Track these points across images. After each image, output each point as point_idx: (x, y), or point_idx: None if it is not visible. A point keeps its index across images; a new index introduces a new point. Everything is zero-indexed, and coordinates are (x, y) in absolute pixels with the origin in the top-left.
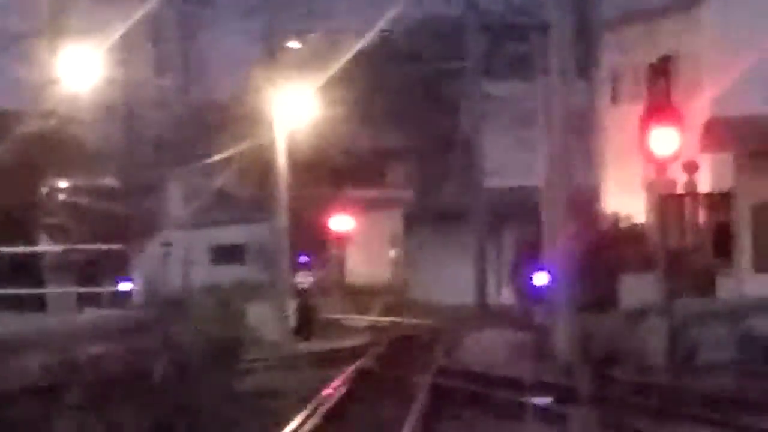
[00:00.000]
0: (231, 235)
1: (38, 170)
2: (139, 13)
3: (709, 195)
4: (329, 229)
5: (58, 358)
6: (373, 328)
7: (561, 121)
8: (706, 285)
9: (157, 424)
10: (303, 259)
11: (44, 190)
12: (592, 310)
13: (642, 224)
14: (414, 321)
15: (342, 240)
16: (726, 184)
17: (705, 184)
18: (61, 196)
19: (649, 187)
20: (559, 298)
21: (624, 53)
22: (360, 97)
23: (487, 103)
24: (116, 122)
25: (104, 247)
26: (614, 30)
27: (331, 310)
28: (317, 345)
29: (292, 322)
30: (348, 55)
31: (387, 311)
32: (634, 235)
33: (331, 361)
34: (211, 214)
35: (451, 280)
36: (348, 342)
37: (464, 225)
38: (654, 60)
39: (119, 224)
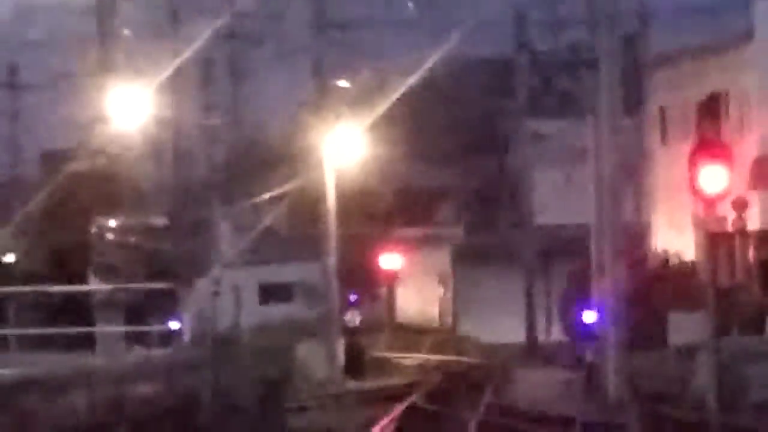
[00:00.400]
0: (280, 273)
1: (88, 209)
2: (188, 52)
3: (758, 232)
4: (378, 267)
5: (106, 397)
6: (422, 366)
7: (610, 158)
8: (755, 323)
9: None
10: (352, 297)
11: (94, 229)
12: (642, 347)
13: (691, 262)
14: (463, 359)
15: (391, 278)
16: None
17: (754, 221)
18: (111, 235)
19: (698, 225)
20: (609, 336)
21: (673, 91)
22: (409, 135)
23: (536, 141)
24: (165, 161)
25: (153, 285)
26: (663, 68)
27: (380, 349)
28: (367, 383)
29: (342, 360)
30: (397, 93)
31: (436, 349)
32: (683, 272)
33: (382, 399)
34: (260, 253)
35: (500, 318)
36: (398, 380)
37: (514, 263)
38: (703, 98)
39: (168, 263)
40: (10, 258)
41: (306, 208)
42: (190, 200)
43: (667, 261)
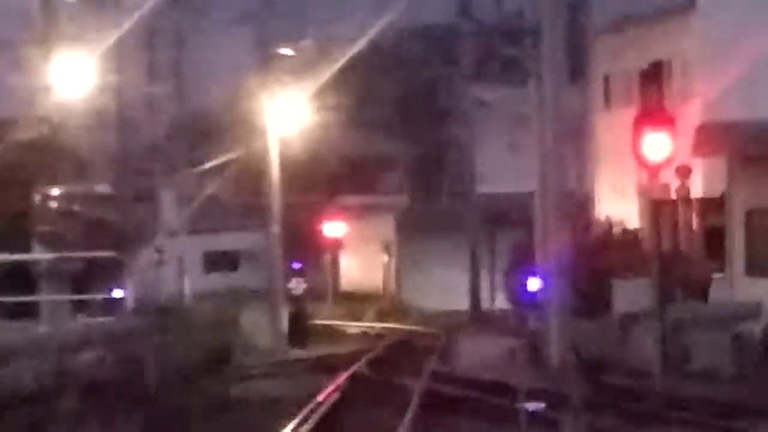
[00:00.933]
0: (224, 242)
1: (31, 178)
2: (131, 21)
3: (701, 200)
4: (322, 235)
5: (51, 366)
6: (366, 334)
7: (553, 126)
8: (699, 290)
9: (147, 430)
10: (296, 265)
11: (37, 197)
12: (585, 315)
13: (635, 229)
14: (407, 327)
15: (335, 246)
16: (718, 189)
17: (698, 188)
18: (54, 204)
19: (642, 192)
20: (552, 304)
21: (616, 59)
22: (353, 103)
23: (479, 109)
24: (109, 129)
25: (97, 254)
26: (606, 36)
27: (324, 316)
28: (310, 351)
29: (286, 328)
30: (340, 62)
31: (380, 317)
32: (626, 240)
33: (325, 367)
34: (204, 222)
35: (444, 286)
36: (341, 348)
37: (457, 231)
38: (646, 65)
39: (112, 232)
40: None
41: (250, 176)
42: (134, 169)
43: (610, 228)
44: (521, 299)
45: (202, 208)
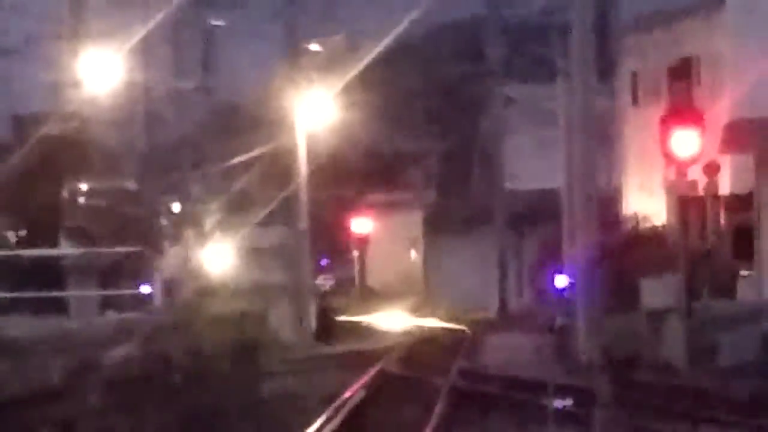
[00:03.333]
0: (251, 237)
1: (59, 173)
2: (159, 16)
3: (729, 197)
4: (350, 231)
5: (78, 361)
6: (393, 330)
7: (581, 123)
8: (726, 287)
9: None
10: (323, 261)
11: (65, 193)
12: (613, 312)
13: (663, 226)
14: (434, 323)
15: (362, 242)
16: (747, 186)
17: (726, 185)
18: (82, 199)
19: (670, 189)
20: (580, 301)
21: (645, 56)
22: (381, 100)
23: (508, 106)
24: (137, 125)
25: (125, 249)
26: (635, 32)
27: (351, 313)
28: (338, 348)
29: (313, 324)
30: (369, 58)
31: (407, 313)
32: (654, 236)
33: (352, 363)
34: (231, 218)
35: (471, 283)
36: (368, 345)
37: (485, 227)
38: (674, 62)
39: (140, 227)
40: None
41: (278, 171)
42: (162, 164)
43: (638, 225)
44: (549, 296)
45: (229, 204)
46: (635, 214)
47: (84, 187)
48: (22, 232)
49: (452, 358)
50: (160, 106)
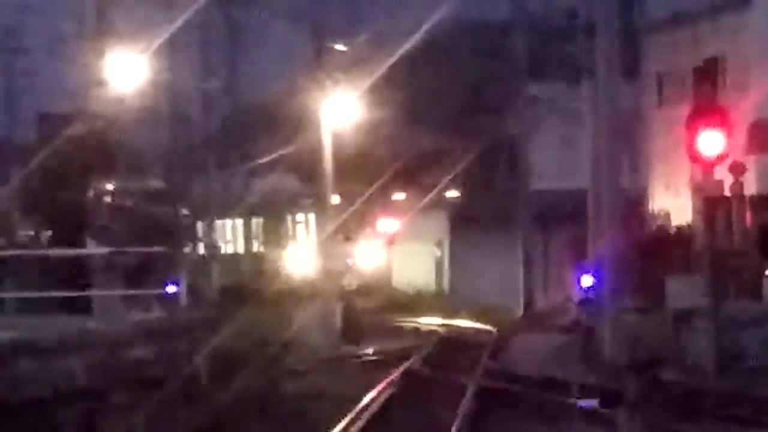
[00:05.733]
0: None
1: (84, 173)
2: (185, 16)
3: (755, 197)
4: (375, 230)
5: (103, 361)
6: (419, 330)
7: (607, 122)
8: (752, 288)
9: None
10: (349, 261)
11: (90, 192)
12: (639, 312)
13: (688, 226)
14: (460, 322)
15: (388, 241)
16: None
17: (751, 185)
18: (108, 199)
19: (696, 189)
20: (606, 300)
21: (670, 55)
22: (406, 99)
23: (533, 105)
24: (162, 124)
25: (150, 249)
26: (660, 32)
27: (376, 312)
28: (364, 348)
29: (338, 324)
30: (394, 57)
31: (432, 313)
32: (680, 236)
33: (378, 363)
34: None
35: (497, 282)
36: (394, 344)
37: (510, 227)
38: (700, 62)
39: (166, 226)
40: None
41: (303, 170)
42: (188, 164)
43: (664, 225)
44: (575, 295)
45: (255, 203)
46: (661, 213)
47: (110, 186)
48: (48, 232)
49: (478, 357)
50: (186, 106)
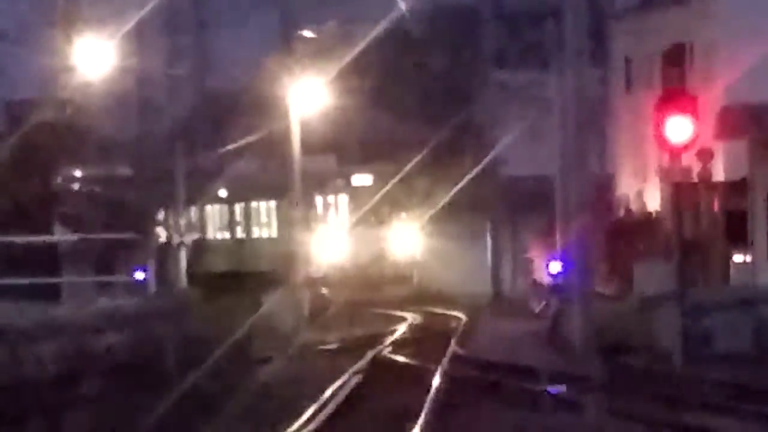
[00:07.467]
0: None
1: (52, 159)
2: (153, 2)
3: (723, 183)
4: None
5: (71, 348)
6: (386, 317)
7: (575, 109)
8: (720, 273)
9: (170, 412)
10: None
11: (58, 179)
12: (606, 298)
13: (656, 212)
14: (427, 310)
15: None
16: (741, 172)
17: (719, 172)
18: (76, 185)
19: (663, 175)
20: (573, 287)
21: (638, 42)
22: (374, 86)
23: (500, 92)
24: (130, 111)
25: (118, 236)
26: (628, 18)
27: (343, 299)
28: (331, 334)
29: (306, 311)
30: (362, 44)
31: (400, 300)
32: (648, 223)
33: (346, 350)
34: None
35: (465, 269)
36: (361, 331)
37: (479, 214)
38: (668, 48)
39: (133, 213)
40: None
41: (271, 158)
42: (155, 150)
43: (631, 211)
44: (543, 282)
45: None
46: (629, 200)
47: (78, 173)
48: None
49: (446, 344)
50: (154, 93)
